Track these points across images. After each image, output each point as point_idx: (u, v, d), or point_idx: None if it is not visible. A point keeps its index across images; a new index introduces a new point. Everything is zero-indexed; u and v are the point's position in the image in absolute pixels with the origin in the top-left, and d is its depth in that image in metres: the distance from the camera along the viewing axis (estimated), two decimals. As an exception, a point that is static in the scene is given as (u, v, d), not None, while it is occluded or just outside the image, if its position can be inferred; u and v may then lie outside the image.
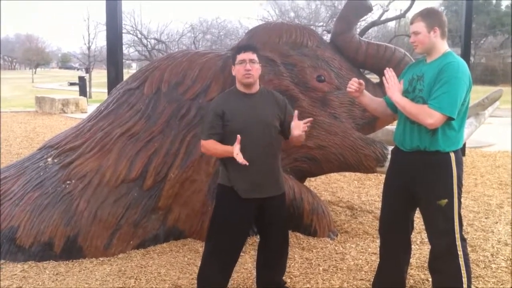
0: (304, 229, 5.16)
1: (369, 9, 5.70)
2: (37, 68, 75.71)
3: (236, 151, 3.33)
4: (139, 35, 32.99)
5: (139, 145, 4.87)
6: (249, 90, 3.58)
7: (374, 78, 5.97)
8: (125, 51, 35.24)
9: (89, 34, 34.45)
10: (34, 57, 70.74)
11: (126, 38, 36.98)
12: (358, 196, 7.04)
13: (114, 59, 7.71)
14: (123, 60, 8.40)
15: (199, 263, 4.44)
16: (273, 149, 3.60)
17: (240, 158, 3.30)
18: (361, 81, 3.68)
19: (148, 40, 32.82)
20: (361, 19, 5.85)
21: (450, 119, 3.24)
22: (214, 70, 5.29)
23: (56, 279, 4.18)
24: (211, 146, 3.51)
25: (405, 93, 3.47)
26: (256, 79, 3.58)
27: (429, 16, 3.39)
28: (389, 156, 5.30)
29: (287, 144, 5.23)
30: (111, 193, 4.72)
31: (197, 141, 4.94)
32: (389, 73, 3.48)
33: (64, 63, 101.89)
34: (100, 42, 61.39)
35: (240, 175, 3.49)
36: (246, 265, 4.50)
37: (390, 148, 5.44)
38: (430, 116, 3.22)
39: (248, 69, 3.48)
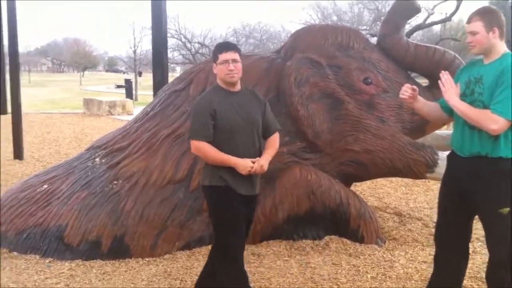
0: (350, 235, 5.05)
1: (417, 9, 5.55)
2: (85, 71, 77.56)
3: (244, 166, 3.40)
4: (183, 39, 33.43)
5: (185, 146, 4.86)
6: (233, 88, 3.56)
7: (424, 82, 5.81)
8: (169, 55, 35.69)
9: (134, 38, 35.12)
10: (82, 60, 72.58)
11: (170, 42, 37.47)
12: (406, 202, 6.86)
13: (159, 62, 7.75)
14: (168, 64, 8.45)
15: (246, 265, 4.42)
16: (260, 147, 3.60)
17: (248, 170, 3.40)
18: (414, 87, 3.57)
19: (192, 44, 33.22)
20: (407, 21, 5.69)
21: None
22: (259, 72, 5.26)
23: (103, 278, 4.22)
24: (207, 150, 3.44)
25: (462, 96, 3.32)
26: (239, 78, 3.55)
27: (488, 15, 3.23)
28: (439, 162, 5.16)
29: (332, 148, 5.19)
30: (158, 193, 4.73)
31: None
32: (445, 76, 3.34)
33: (111, 66, 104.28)
34: (146, 45, 62.39)
35: (237, 173, 3.45)
36: (292, 269, 4.43)
37: (440, 153, 5.29)
38: (494, 122, 3.06)
39: (231, 69, 3.46)
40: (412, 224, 5.75)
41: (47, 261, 4.53)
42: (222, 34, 34.10)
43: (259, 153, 3.56)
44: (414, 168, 5.15)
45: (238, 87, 3.59)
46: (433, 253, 3.69)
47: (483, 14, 3.25)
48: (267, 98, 5.13)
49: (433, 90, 5.50)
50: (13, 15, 9.50)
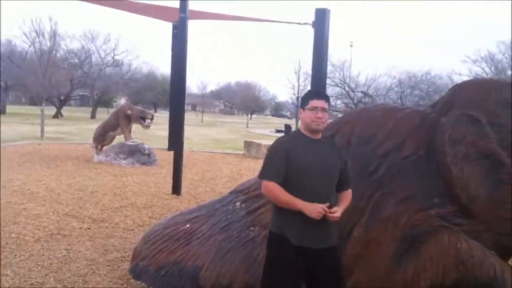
0: (504, 315, 4.45)
1: None
2: (253, 114, 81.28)
3: (313, 209, 3.27)
4: (347, 88, 33.56)
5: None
6: (315, 136, 3.50)
7: None
8: (332, 102, 36.17)
9: (298, 85, 36.03)
10: (251, 104, 76.16)
11: (334, 90, 37.99)
12: None
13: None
14: (330, 112, 8.48)
15: None
16: (332, 197, 3.48)
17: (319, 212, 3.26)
18: None
19: (355, 93, 33.21)
20: None
21: None
22: (410, 126, 4.96)
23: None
24: (276, 190, 3.38)
25: None
26: (323, 128, 3.51)
27: None
28: None
29: (490, 215, 4.66)
30: (293, 244, 4.61)
31: (385, 199, 4.65)
32: None
33: (277, 111, 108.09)
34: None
35: (293, 220, 3.35)
36: None
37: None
38: None
39: (319, 117, 3.41)
40: None
41: (181, 299, 4.62)
42: (387, 84, 33.62)
43: (329, 202, 3.43)
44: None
45: (319, 135, 3.54)
46: None
47: None
48: (416, 155, 4.84)
49: None
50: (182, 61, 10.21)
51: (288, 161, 3.39)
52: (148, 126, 14.80)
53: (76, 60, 53.43)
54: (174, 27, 10.10)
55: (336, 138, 5.06)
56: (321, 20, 6.97)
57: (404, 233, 4.62)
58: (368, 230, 4.62)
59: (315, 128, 3.46)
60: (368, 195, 4.70)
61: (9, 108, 45.83)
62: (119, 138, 15.23)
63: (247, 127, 53.70)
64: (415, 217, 4.66)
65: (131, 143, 14.14)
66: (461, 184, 4.61)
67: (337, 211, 3.36)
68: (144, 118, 14.62)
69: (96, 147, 14.40)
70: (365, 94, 31.12)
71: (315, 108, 3.43)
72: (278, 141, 3.58)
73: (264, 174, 3.49)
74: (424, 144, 4.89)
